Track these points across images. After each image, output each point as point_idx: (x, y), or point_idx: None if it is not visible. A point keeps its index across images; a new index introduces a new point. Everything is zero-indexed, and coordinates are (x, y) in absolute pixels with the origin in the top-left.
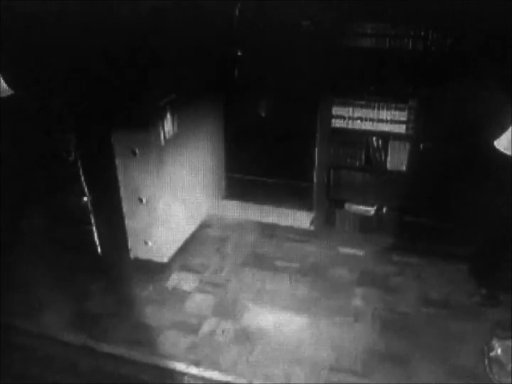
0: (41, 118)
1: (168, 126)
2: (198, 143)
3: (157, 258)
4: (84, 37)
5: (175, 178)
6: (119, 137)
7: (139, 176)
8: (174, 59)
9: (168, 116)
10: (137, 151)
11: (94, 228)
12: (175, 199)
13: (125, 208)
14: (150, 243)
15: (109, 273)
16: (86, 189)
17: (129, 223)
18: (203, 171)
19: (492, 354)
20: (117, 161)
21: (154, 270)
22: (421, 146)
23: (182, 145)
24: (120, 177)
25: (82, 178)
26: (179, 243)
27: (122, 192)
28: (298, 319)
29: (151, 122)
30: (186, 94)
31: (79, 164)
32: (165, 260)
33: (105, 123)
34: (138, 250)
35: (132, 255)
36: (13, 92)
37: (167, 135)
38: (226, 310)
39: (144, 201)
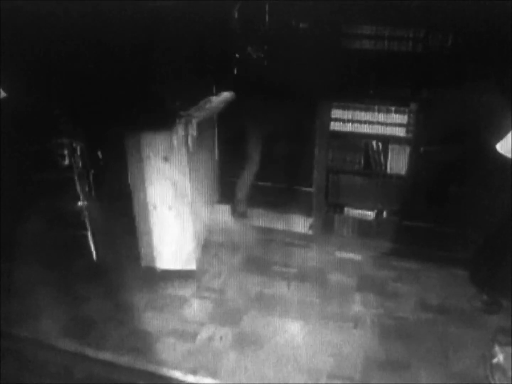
0: (35, 121)
1: (193, 131)
2: (201, 147)
3: (184, 266)
4: (92, 41)
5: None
6: (134, 143)
7: (152, 182)
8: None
9: (193, 121)
10: (162, 157)
11: (89, 233)
12: (187, 204)
13: (138, 215)
14: (165, 251)
15: (105, 279)
16: (80, 194)
17: (141, 230)
18: (204, 175)
19: (494, 360)
20: (130, 167)
21: (152, 276)
22: (422, 149)
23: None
24: (132, 183)
25: (77, 183)
26: (195, 249)
27: (135, 199)
28: (296, 325)
29: (175, 127)
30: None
31: (74, 168)
32: (193, 267)
33: (119, 129)
34: (151, 258)
35: (143, 263)
36: (6, 95)
37: (189, 141)
38: (224, 316)
39: (157, 207)
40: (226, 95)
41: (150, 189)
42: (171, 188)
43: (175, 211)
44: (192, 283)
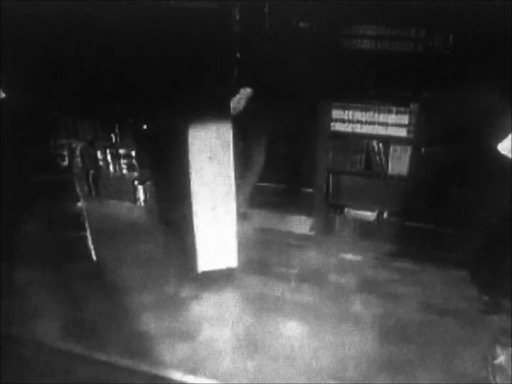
0: (35, 122)
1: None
2: None
3: (226, 265)
4: (92, 42)
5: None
6: (196, 141)
7: (213, 182)
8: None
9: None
10: (206, 156)
11: (88, 234)
12: (232, 201)
13: (197, 218)
14: (219, 252)
15: (105, 280)
16: (80, 195)
17: (198, 233)
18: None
19: (496, 362)
20: (192, 166)
21: (152, 277)
22: (423, 150)
23: None
24: (193, 183)
25: (77, 184)
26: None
27: (195, 201)
28: (297, 326)
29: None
30: None
31: (73, 169)
32: (235, 265)
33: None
34: (207, 260)
35: (200, 269)
36: (6, 96)
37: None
38: (224, 317)
39: (215, 209)
40: (243, 92)
41: (193, 188)
42: (215, 186)
43: (220, 209)
44: (193, 283)
